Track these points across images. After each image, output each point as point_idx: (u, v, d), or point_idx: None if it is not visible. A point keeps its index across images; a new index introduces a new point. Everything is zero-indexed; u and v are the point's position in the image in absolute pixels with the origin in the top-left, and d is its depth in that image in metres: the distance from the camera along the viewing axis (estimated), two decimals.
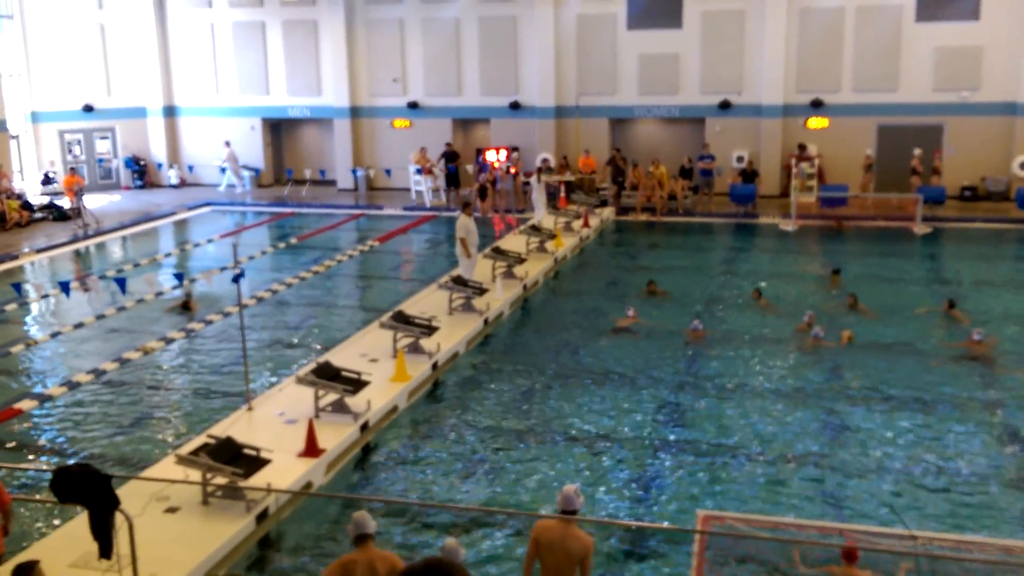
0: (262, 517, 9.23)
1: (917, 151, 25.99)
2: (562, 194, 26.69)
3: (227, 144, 31.24)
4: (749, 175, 26.93)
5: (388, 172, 30.25)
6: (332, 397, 11.58)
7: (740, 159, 27.72)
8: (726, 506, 9.70)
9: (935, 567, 8.26)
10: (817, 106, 27.51)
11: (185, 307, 17.42)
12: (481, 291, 16.28)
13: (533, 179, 25.10)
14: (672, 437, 11.60)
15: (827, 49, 27.22)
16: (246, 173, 31.58)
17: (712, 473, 10.58)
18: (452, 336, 14.74)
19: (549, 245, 20.99)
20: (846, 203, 25.87)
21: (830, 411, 12.29)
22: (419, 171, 28.57)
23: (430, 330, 14.01)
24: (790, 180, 26.42)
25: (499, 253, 18.69)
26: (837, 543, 8.27)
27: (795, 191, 25.42)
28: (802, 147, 26.95)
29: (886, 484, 10.24)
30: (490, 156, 28.24)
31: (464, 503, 9.95)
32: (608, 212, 26.30)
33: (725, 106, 28.06)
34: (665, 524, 9.45)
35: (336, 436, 10.93)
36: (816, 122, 27.66)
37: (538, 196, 24.42)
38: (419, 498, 10.10)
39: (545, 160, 27.73)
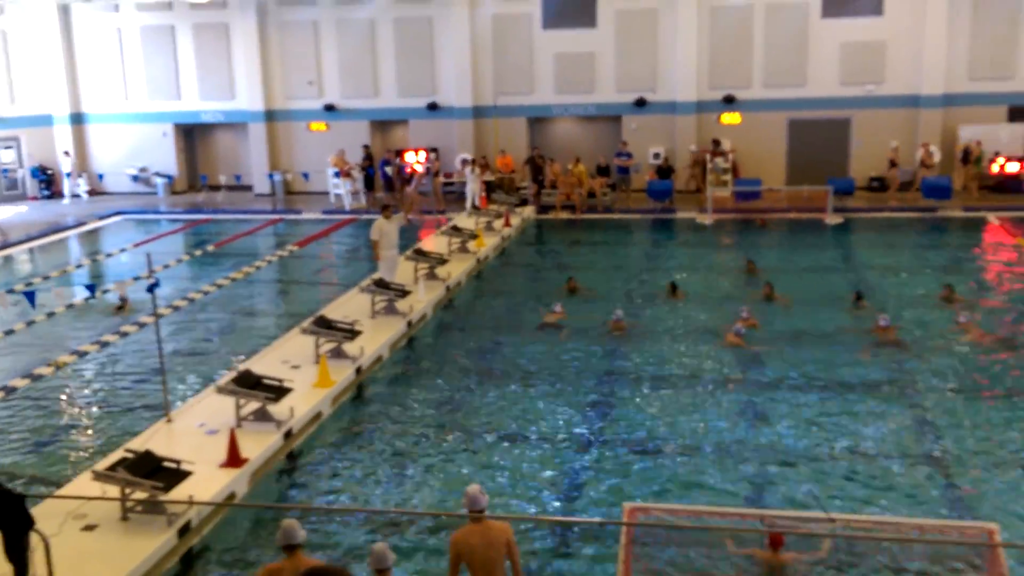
0: (184, 531, 9.05)
1: (895, 143, 26.51)
2: (483, 194, 26.74)
3: (67, 154, 30.85)
4: (665, 171, 27.33)
5: (306, 176, 29.91)
6: (254, 405, 11.41)
7: (656, 156, 28.09)
8: (652, 498, 9.84)
9: (852, 548, 8.52)
10: (730, 102, 28.05)
11: (120, 310, 17.50)
12: (403, 293, 16.22)
13: (467, 169, 26.28)
14: (598, 431, 11.71)
15: (738, 46, 27.77)
16: (159, 180, 30.96)
17: (638, 465, 10.71)
18: (375, 339, 14.64)
19: (471, 245, 21.00)
20: (760, 196, 26.44)
21: (749, 400, 12.54)
22: (337, 174, 28.32)
23: (353, 334, 13.90)
24: (705, 175, 26.89)
25: (421, 255, 18.63)
26: (759, 529, 8.45)
27: (710, 186, 25.88)
28: (716, 142, 27.45)
29: (804, 468, 10.51)
30: (409, 157, 28.19)
31: (392, 507, 9.91)
32: (529, 211, 26.43)
33: (640, 104, 28.42)
34: (591, 518, 9.54)
35: (259, 445, 10.78)
36: (729, 118, 28.20)
37: (471, 186, 25.85)
38: (346, 503, 10.02)
39: (464, 160, 27.75)
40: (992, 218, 24.10)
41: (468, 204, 25.82)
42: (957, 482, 10.15)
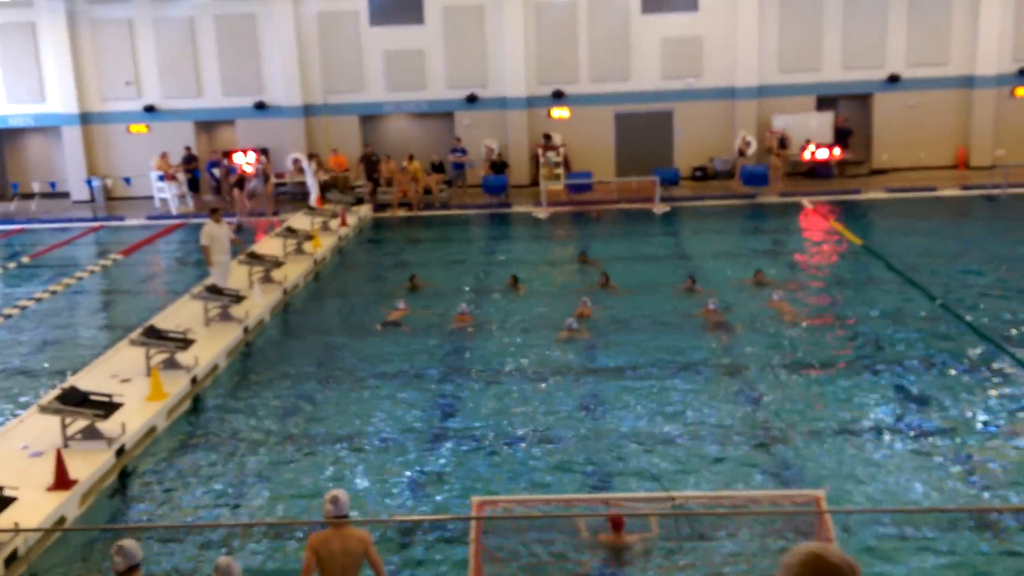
0: (11, 560, 8.54)
1: (742, 132, 27.37)
2: (317, 194, 26.29)
3: None
4: (499, 166, 27.61)
5: (127, 180, 28.60)
6: (82, 424, 10.86)
7: (490, 151, 28.34)
8: (501, 490, 9.95)
9: (692, 523, 8.88)
10: (559, 97, 28.59)
11: None
12: (238, 299, 15.77)
13: (306, 163, 26.10)
14: (445, 427, 11.75)
15: (564, 41, 28.33)
16: None
17: (486, 459, 10.82)
18: (210, 348, 14.18)
19: (307, 247, 20.62)
20: (591, 188, 27.09)
21: (590, 387, 12.88)
22: (162, 177, 27.21)
23: (186, 343, 13.41)
24: (538, 169, 27.34)
25: (255, 258, 18.15)
26: (604, 513, 8.70)
27: (544, 180, 26.33)
28: (547, 137, 27.95)
29: (644, 450, 10.88)
30: (238, 158, 27.36)
31: (236, 519, 9.64)
32: (365, 210, 26.19)
33: (472, 100, 28.60)
34: (439, 515, 9.57)
35: (89, 465, 10.27)
36: (559, 112, 28.75)
37: (312, 181, 25.72)
38: (186, 520, 9.68)
39: (296, 160, 27.22)
40: (806, 203, 25.55)
41: (312, 198, 25.58)
42: (785, 453, 10.74)
